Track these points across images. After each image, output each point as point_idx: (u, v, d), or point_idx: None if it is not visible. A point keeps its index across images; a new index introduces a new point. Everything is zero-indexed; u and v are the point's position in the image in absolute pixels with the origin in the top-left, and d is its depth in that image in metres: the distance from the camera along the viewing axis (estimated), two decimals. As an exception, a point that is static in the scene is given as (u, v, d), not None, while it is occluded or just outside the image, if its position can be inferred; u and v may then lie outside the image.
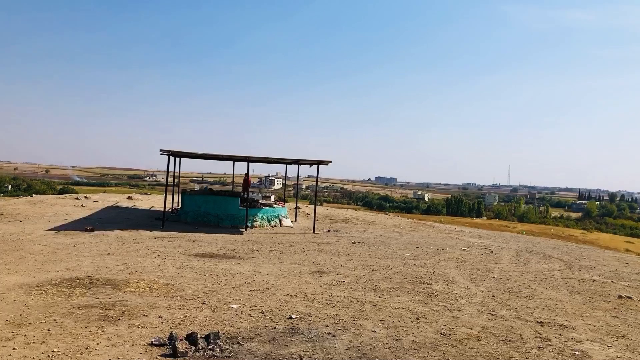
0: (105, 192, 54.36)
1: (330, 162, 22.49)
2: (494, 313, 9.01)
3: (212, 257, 14.27)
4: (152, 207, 29.58)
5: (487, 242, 23.17)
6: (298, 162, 23.91)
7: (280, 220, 24.79)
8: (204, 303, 8.68)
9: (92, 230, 18.88)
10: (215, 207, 23.80)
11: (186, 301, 8.76)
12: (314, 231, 22.58)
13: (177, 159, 27.56)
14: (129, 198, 32.64)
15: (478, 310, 9.21)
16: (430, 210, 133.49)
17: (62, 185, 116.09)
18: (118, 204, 29.50)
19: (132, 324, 7.18)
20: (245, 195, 24.90)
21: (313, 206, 38.53)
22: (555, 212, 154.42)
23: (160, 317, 7.62)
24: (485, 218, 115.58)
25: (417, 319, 8.27)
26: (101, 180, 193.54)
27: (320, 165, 24.13)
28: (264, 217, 24.09)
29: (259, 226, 23.59)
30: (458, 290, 11.10)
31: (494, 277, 13.31)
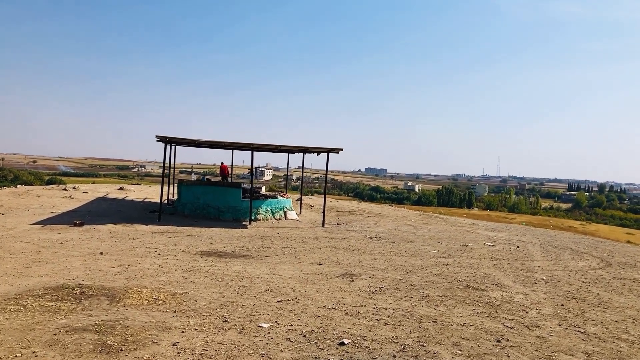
0: (94, 182, 52.09)
1: (342, 149, 20.70)
2: (582, 330, 7.34)
3: (220, 257, 12.49)
4: (146, 198, 27.64)
5: (504, 235, 21.61)
6: (306, 150, 22.05)
7: (285, 212, 23.02)
8: (226, 321, 6.91)
9: (81, 225, 17.02)
10: (216, 198, 21.96)
11: (203, 318, 6.98)
12: (323, 225, 20.84)
13: (172, 146, 25.66)
14: (121, 189, 30.64)
15: (559, 325, 7.53)
16: (421, 201, 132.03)
17: (50, 176, 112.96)
18: (109, 195, 27.51)
19: (139, 357, 5.38)
20: (249, 186, 23.08)
21: (314, 197, 36.94)
22: (545, 203, 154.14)
23: (174, 344, 5.83)
24: (476, 209, 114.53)
25: (499, 341, 6.56)
26: (89, 171, 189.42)
27: (320, 155, 22.46)
28: (268, 209, 22.31)
29: (263, 219, 21.81)
30: (518, 297, 9.44)
31: (542, 279, 11.71)
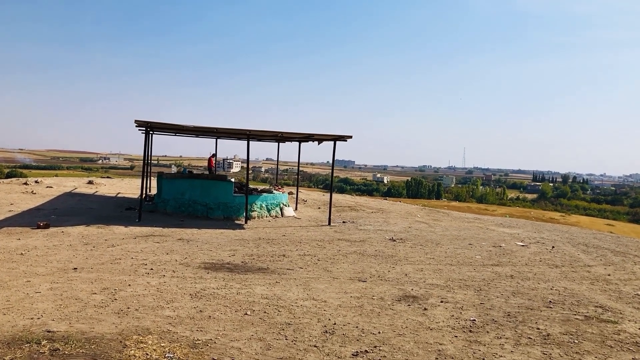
0: (57, 175, 47.80)
1: (351, 137, 18.02)
2: None
3: (231, 271, 9.72)
4: (119, 193, 24.39)
5: (522, 232, 19.47)
6: (310, 137, 19.24)
7: (281, 209, 20.28)
8: (300, 404, 4.23)
9: (46, 227, 13.94)
10: (204, 193, 19.01)
11: (259, 399, 4.28)
12: (329, 223, 18.18)
13: (150, 134, 22.44)
14: (90, 183, 27.20)
15: None
16: (391, 192, 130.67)
17: (10, 169, 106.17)
18: (77, 190, 24.11)
19: None
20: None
21: (305, 191, 34.16)
22: (511, 194, 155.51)
23: None
24: (445, 200, 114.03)
25: None
26: (52, 164, 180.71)
27: (318, 144, 19.79)
28: (263, 205, 19.52)
29: (258, 217, 19.01)
30: (655, 330, 7.05)
31: (637, 295, 9.45)
